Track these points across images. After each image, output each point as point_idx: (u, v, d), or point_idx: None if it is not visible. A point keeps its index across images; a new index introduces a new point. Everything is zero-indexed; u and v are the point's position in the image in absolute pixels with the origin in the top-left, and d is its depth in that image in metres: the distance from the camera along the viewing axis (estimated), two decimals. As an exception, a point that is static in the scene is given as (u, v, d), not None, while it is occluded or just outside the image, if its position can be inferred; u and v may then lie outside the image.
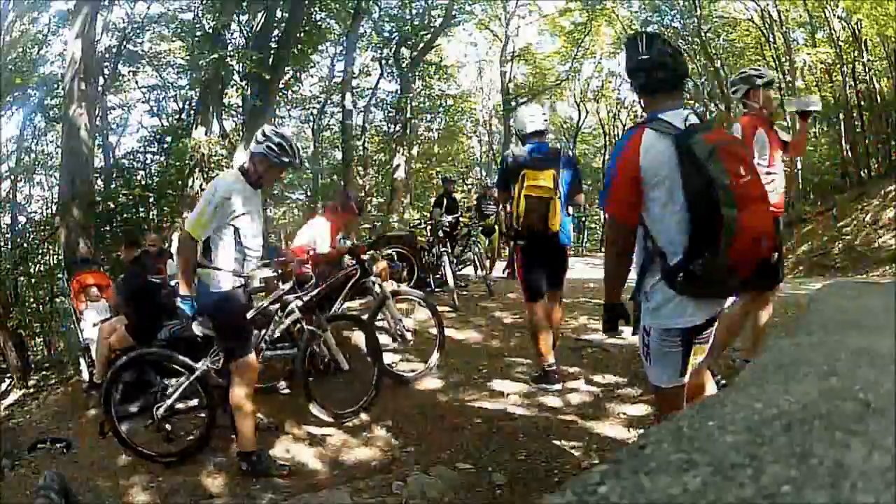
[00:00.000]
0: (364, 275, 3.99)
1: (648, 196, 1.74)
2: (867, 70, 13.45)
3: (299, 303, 3.40)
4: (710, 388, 2.07)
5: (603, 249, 2.16)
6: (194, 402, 3.17)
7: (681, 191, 1.67)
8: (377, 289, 4.05)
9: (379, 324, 4.16)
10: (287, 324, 3.47)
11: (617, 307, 1.93)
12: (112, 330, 4.33)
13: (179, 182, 9.21)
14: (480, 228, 7.71)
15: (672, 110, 1.77)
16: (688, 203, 1.66)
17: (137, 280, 4.43)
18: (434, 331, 4.07)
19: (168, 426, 3.12)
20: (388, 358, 4.16)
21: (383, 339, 4.24)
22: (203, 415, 3.18)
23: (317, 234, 4.43)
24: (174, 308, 3.98)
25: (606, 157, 22.96)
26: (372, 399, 3.49)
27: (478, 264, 7.02)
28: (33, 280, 10.36)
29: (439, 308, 4.34)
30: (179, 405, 3.14)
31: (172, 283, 4.00)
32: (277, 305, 3.34)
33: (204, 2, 10.63)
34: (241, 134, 10.69)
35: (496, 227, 8.07)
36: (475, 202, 8.46)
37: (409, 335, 4.05)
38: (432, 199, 11.03)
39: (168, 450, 3.10)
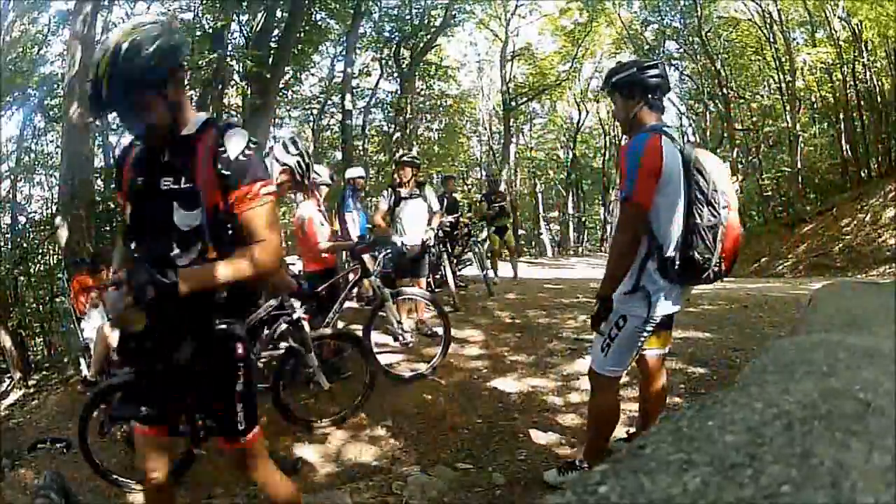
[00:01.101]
0: (365, 275, 3.99)
1: (659, 194, 1.92)
2: (867, 70, 13.46)
3: (298, 303, 3.34)
4: (664, 378, 2.33)
5: (611, 241, 2.45)
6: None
7: (682, 192, 1.92)
8: (377, 289, 4.04)
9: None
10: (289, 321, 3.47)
11: (611, 300, 1.99)
12: (112, 330, 4.33)
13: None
14: (493, 228, 7.59)
15: (665, 126, 2.04)
16: (688, 203, 1.92)
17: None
18: (440, 331, 4.07)
19: None
20: (390, 358, 4.16)
21: (385, 339, 4.23)
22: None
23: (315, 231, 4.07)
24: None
25: (607, 157, 23.01)
26: (365, 399, 3.47)
27: (478, 264, 7.02)
28: (33, 280, 10.36)
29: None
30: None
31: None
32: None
33: (204, 2, 10.63)
34: (241, 134, 10.64)
35: (508, 225, 7.91)
36: (483, 201, 8.02)
37: (409, 336, 4.05)
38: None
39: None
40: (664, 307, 1.99)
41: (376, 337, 4.14)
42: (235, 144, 1.43)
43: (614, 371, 2.08)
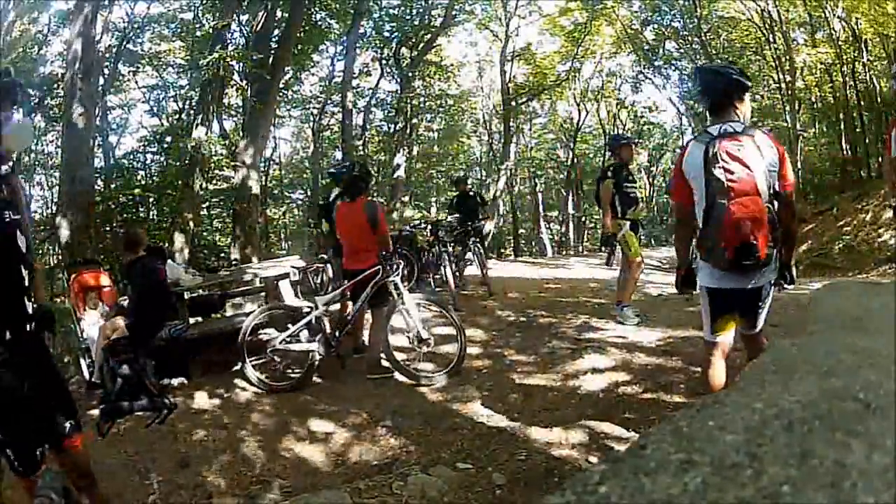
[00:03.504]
0: (386, 275, 3.98)
1: (692, 188, 2.26)
2: (867, 70, 13.44)
3: (322, 300, 3.96)
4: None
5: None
6: None
7: (703, 184, 2.17)
8: (395, 291, 4.02)
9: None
10: (308, 319, 3.94)
11: (685, 271, 2.47)
12: (114, 329, 4.32)
13: (179, 182, 9.21)
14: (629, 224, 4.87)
15: (718, 124, 2.23)
16: (704, 193, 2.18)
17: (142, 280, 4.40)
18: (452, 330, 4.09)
19: None
20: (401, 357, 4.15)
21: (400, 340, 4.20)
22: None
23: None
24: (175, 308, 3.97)
25: (607, 157, 22.99)
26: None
27: (478, 264, 7.00)
28: (33, 280, 10.33)
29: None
30: None
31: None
32: None
33: (204, 2, 10.63)
34: (241, 134, 10.69)
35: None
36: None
37: (424, 333, 4.00)
38: (432, 200, 10.90)
39: None
40: (706, 280, 2.33)
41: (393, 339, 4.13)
42: None
43: (705, 335, 2.44)
